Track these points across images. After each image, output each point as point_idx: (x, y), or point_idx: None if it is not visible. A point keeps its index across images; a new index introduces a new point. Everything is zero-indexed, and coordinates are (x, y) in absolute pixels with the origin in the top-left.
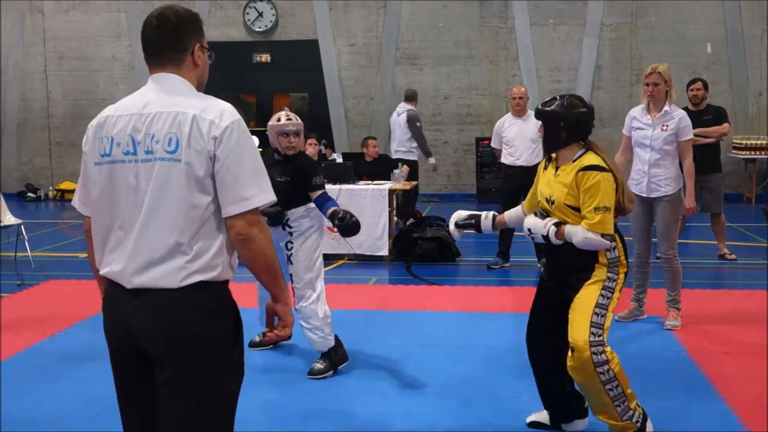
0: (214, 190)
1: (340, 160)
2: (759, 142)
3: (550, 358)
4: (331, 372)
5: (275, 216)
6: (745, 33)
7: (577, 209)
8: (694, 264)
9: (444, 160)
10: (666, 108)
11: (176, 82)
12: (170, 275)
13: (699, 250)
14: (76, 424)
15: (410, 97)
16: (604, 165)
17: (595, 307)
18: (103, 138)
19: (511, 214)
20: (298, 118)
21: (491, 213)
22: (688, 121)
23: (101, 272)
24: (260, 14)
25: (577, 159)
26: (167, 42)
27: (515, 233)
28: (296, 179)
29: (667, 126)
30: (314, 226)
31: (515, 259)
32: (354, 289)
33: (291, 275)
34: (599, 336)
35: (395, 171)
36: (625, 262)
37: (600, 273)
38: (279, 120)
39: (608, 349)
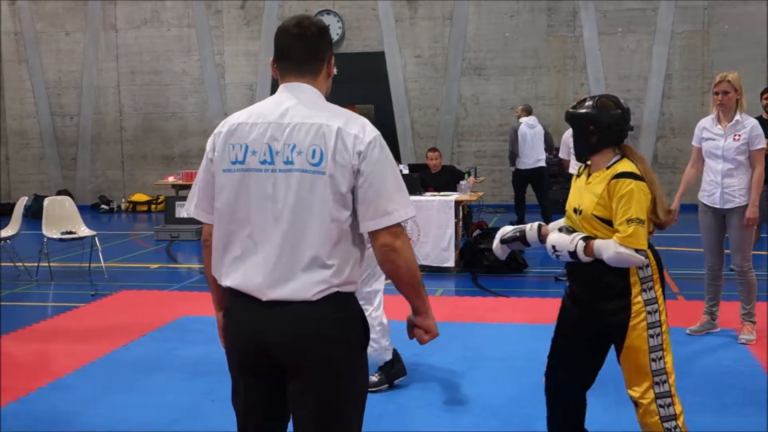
0: (352, 204)
1: (406, 171)
2: None
3: (568, 393)
4: (386, 385)
5: None
6: None
7: (607, 222)
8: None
9: (510, 170)
10: (737, 117)
11: (311, 93)
12: (309, 288)
13: None
14: None
15: (531, 110)
16: (638, 173)
17: (650, 352)
18: (235, 145)
19: (555, 226)
20: None
21: (536, 224)
22: (759, 130)
23: (224, 283)
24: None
25: (611, 166)
26: (310, 51)
27: None
28: None
29: (740, 135)
30: None
31: None
32: None
33: None
34: (664, 384)
35: (462, 182)
36: (658, 278)
37: (638, 308)
38: None
39: (677, 400)
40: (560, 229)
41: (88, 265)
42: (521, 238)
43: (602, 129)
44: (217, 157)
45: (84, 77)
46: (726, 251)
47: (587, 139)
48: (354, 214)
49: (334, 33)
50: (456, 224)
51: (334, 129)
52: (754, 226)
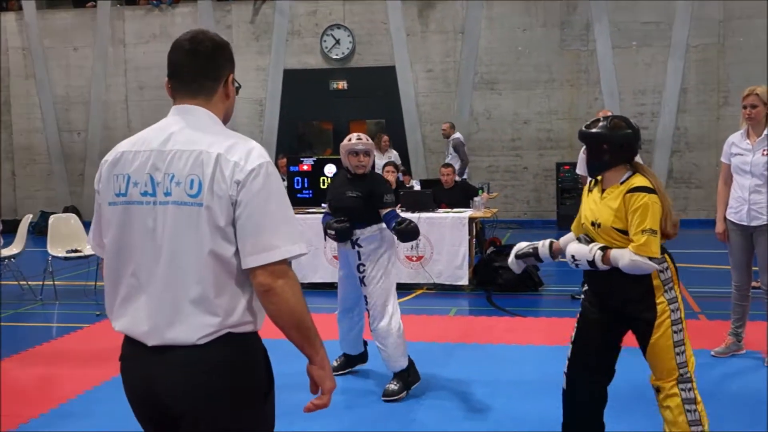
0: (236, 239)
1: (417, 187)
2: None
3: (590, 396)
4: (405, 393)
5: (343, 232)
6: None
7: (625, 232)
8: None
9: (523, 185)
10: (766, 131)
11: (202, 116)
12: (195, 331)
13: None
14: None
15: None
16: (651, 187)
17: (675, 347)
18: (118, 176)
19: (566, 240)
20: (368, 139)
21: (548, 240)
22: None
23: (115, 327)
24: (337, 41)
25: (624, 181)
26: (202, 69)
27: None
28: (367, 195)
29: None
30: (385, 245)
31: None
32: (434, 321)
33: (365, 297)
34: (686, 374)
35: (475, 198)
36: (677, 279)
37: (662, 307)
38: (350, 140)
39: (695, 386)
40: (579, 239)
41: (93, 284)
42: (534, 254)
43: (615, 148)
44: (102, 189)
45: (92, 92)
46: (754, 267)
47: (600, 157)
48: None
49: (345, 47)
50: (469, 241)
51: (213, 156)
52: None
